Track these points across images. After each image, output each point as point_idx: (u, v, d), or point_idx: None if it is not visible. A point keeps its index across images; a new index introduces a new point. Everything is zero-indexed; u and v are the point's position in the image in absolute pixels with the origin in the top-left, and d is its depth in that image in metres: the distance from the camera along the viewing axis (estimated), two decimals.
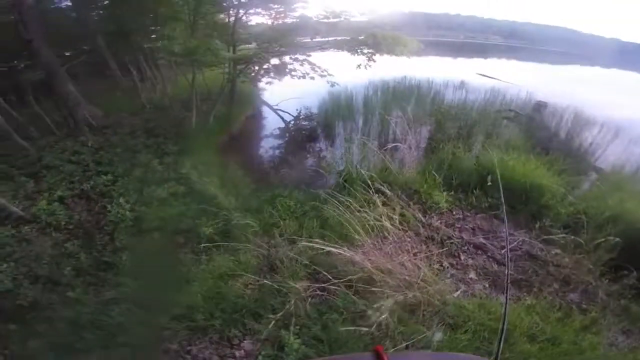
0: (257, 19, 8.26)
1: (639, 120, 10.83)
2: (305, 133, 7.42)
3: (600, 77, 28.08)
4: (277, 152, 7.14)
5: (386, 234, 3.51)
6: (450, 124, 6.46)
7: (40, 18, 6.41)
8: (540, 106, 7.47)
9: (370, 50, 6.60)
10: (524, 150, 5.07)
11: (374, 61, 6.71)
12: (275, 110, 9.55)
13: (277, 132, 8.20)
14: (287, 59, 7.00)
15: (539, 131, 6.47)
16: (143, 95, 8.02)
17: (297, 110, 8.76)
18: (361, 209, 3.93)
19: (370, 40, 6.35)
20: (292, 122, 8.41)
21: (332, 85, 6.70)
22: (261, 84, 10.70)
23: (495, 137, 5.86)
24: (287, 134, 7.87)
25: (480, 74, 13.63)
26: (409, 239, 3.60)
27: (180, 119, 7.07)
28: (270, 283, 3.06)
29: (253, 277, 3.28)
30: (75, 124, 6.69)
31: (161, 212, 4.06)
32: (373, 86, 9.87)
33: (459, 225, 3.79)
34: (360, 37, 6.39)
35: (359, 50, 6.61)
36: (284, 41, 6.37)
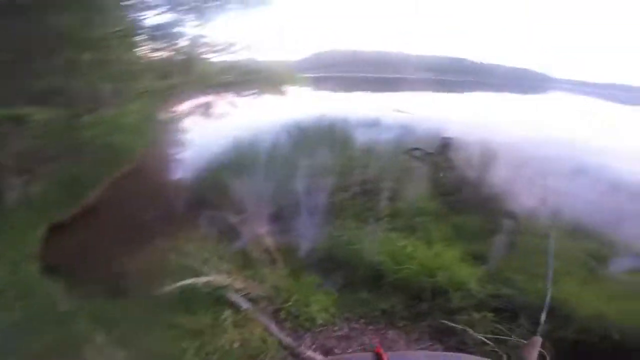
0: None
1: (534, 139, 11.76)
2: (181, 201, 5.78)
3: (496, 100, 32.14)
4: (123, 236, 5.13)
5: None
6: (353, 177, 5.47)
7: None
8: (446, 143, 7.07)
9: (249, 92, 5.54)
10: (434, 213, 4.19)
11: (236, 106, 5.66)
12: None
13: (146, 200, 6.36)
14: None
15: (447, 173, 5.87)
16: None
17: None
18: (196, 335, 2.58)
19: (241, 78, 5.28)
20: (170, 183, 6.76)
21: None
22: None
23: (400, 195, 4.85)
24: (155, 204, 6.12)
25: (397, 110, 13.72)
26: None
27: None
28: None
29: None
30: None
31: None
32: (282, 129, 8.93)
33: (340, 350, 2.56)
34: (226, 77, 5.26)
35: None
36: None
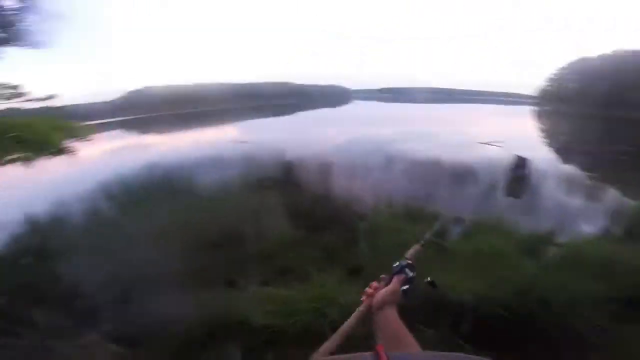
0: None
1: (350, 143, 13.87)
2: None
3: (312, 117, 37.85)
4: None
5: None
6: (204, 229, 4.66)
7: None
8: (289, 167, 7.42)
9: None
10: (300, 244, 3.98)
11: None
12: None
13: None
14: None
15: (299, 197, 6.12)
16: None
17: None
18: None
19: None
20: None
21: None
22: None
23: (263, 236, 4.42)
24: None
25: (235, 142, 13.58)
26: None
27: None
28: None
29: None
30: None
31: None
32: (99, 190, 7.02)
33: None
34: None
35: None
36: None
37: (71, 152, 6.90)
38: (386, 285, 0.76)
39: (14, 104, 6.53)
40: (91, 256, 4.56)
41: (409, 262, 0.82)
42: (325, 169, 7.98)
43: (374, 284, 0.77)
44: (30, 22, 5.13)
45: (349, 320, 0.69)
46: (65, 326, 2.60)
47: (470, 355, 0.45)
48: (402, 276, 0.77)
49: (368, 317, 0.67)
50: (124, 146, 17.81)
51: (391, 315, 0.64)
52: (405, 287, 0.76)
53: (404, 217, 4.82)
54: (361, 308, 0.69)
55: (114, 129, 24.01)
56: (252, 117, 32.58)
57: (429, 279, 0.83)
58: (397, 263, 0.82)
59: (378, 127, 20.42)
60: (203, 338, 2.76)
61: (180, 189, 6.97)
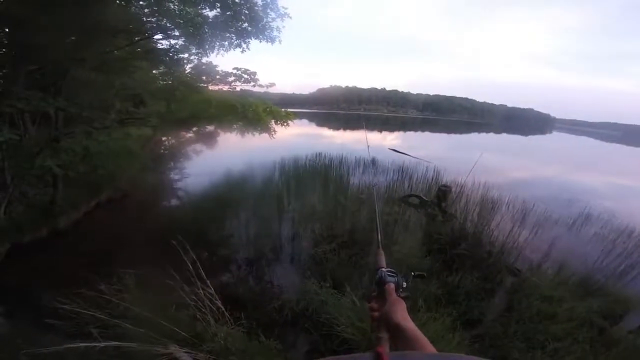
0: None
1: (534, 181, 11.69)
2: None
3: (494, 141, 32.68)
4: None
5: None
6: (342, 225, 4.99)
7: None
8: (444, 192, 6.73)
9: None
10: (426, 271, 3.69)
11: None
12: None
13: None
14: None
15: (444, 225, 5.48)
16: None
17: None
18: None
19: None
20: None
21: None
22: None
23: (391, 249, 4.27)
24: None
25: (392, 149, 13.50)
26: None
27: None
28: None
29: None
30: None
31: None
32: (278, 165, 8.75)
33: None
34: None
35: None
36: None
37: (272, 131, 8.78)
38: (381, 298, 0.75)
39: (248, 87, 8.75)
40: (249, 211, 5.84)
41: (385, 269, 0.82)
42: (488, 203, 6.77)
43: (374, 305, 0.75)
44: (270, 19, 6.56)
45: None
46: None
47: (470, 356, 0.44)
48: (391, 284, 0.76)
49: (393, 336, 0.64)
50: (304, 133, 21.80)
51: (409, 323, 0.64)
52: (402, 292, 0.76)
53: (565, 287, 3.86)
54: (380, 335, 0.66)
55: (303, 118, 28.95)
56: (427, 130, 31.89)
57: (414, 272, 0.84)
58: (377, 276, 0.81)
59: (581, 172, 15.64)
60: (283, 320, 3.03)
61: (335, 179, 7.70)
